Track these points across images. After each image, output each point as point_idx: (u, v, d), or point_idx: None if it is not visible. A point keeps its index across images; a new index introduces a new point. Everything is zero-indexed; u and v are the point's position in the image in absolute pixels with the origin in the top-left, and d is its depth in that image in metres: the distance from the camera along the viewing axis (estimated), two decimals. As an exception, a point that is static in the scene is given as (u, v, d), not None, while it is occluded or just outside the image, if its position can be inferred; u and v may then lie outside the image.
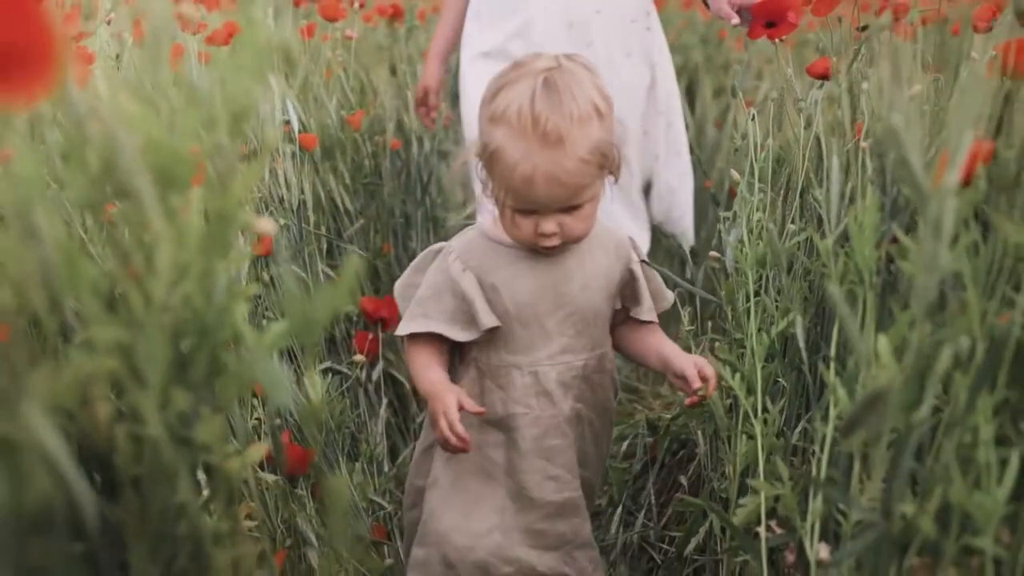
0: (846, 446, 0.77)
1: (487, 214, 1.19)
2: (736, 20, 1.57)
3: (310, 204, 1.75)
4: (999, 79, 0.93)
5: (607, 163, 1.10)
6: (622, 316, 1.23)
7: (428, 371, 1.15)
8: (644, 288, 1.20)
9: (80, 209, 0.70)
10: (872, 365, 0.80)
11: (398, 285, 1.22)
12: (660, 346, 1.20)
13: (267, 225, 0.74)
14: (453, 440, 1.08)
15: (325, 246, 1.84)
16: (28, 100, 0.37)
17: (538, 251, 1.14)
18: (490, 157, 1.08)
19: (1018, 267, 0.81)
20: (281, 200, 1.68)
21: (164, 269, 0.66)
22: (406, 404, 1.85)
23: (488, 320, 1.13)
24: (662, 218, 2.00)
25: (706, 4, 1.70)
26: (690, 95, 3.10)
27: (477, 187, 1.63)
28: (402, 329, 1.16)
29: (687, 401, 1.15)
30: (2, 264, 0.54)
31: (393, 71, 2.58)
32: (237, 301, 0.70)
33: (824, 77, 1.32)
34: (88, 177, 0.64)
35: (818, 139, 1.22)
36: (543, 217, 1.09)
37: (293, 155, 1.72)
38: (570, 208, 1.09)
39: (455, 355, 1.21)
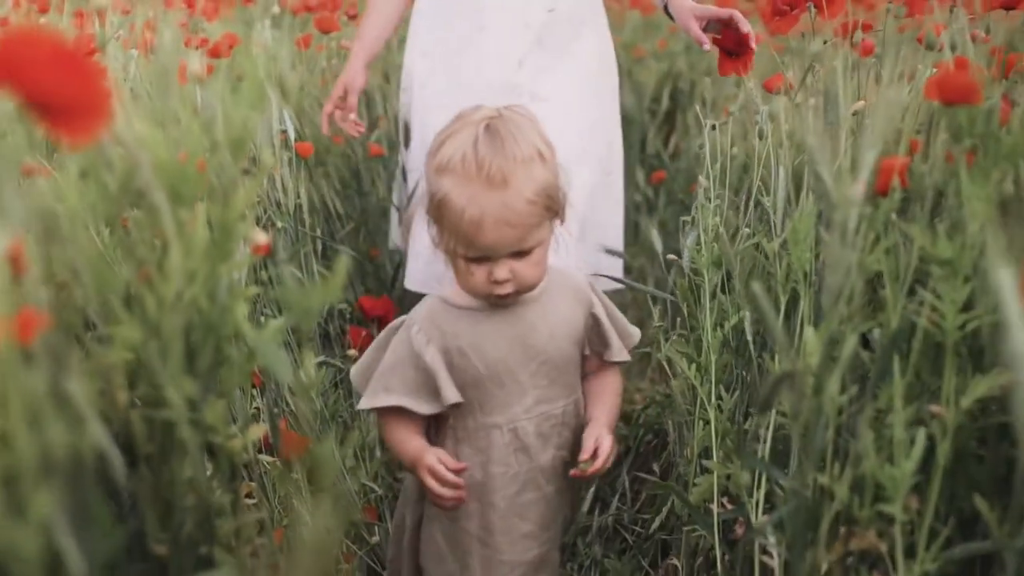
0: (760, 422, 0.88)
1: (447, 282, 1.21)
2: (708, 45, 1.57)
3: (305, 208, 1.86)
4: (926, 100, 1.03)
5: (553, 205, 1.12)
6: (593, 363, 1.24)
7: (406, 444, 1.16)
8: (610, 329, 1.21)
9: (97, 220, 0.80)
10: (802, 353, 0.91)
11: (356, 366, 1.21)
12: (593, 406, 1.22)
13: (261, 236, 0.85)
14: (448, 493, 1.11)
15: (320, 247, 1.95)
16: (83, 142, 0.48)
17: (496, 304, 1.15)
18: (438, 207, 1.10)
19: (927, 267, 0.92)
20: (279, 204, 1.79)
21: (174, 273, 0.76)
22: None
23: (451, 395, 1.13)
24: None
25: (670, 16, 1.69)
26: (673, 101, 3.21)
27: (418, 237, 1.61)
28: (364, 404, 1.17)
29: (571, 472, 1.16)
30: (46, 268, 0.65)
31: (387, 79, 2.68)
32: (238, 301, 0.80)
33: (780, 91, 1.42)
34: (108, 193, 0.75)
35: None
36: (495, 264, 1.10)
37: (289, 162, 1.83)
38: (520, 253, 1.11)
39: (431, 426, 1.21)
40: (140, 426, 0.80)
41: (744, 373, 1.22)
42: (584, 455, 1.13)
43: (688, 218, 1.34)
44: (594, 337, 1.22)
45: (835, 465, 0.90)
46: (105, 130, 0.52)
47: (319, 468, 0.72)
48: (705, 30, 1.59)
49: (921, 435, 0.87)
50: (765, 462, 0.92)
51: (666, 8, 1.68)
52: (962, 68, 0.90)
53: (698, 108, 1.58)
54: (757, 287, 0.81)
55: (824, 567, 0.91)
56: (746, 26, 1.49)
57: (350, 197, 2.16)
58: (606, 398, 1.22)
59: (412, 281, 1.72)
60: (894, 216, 0.91)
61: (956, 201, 0.86)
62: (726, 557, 1.18)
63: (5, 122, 0.74)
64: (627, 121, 2.40)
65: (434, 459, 1.12)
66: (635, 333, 1.25)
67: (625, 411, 1.83)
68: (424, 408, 1.15)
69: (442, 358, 1.15)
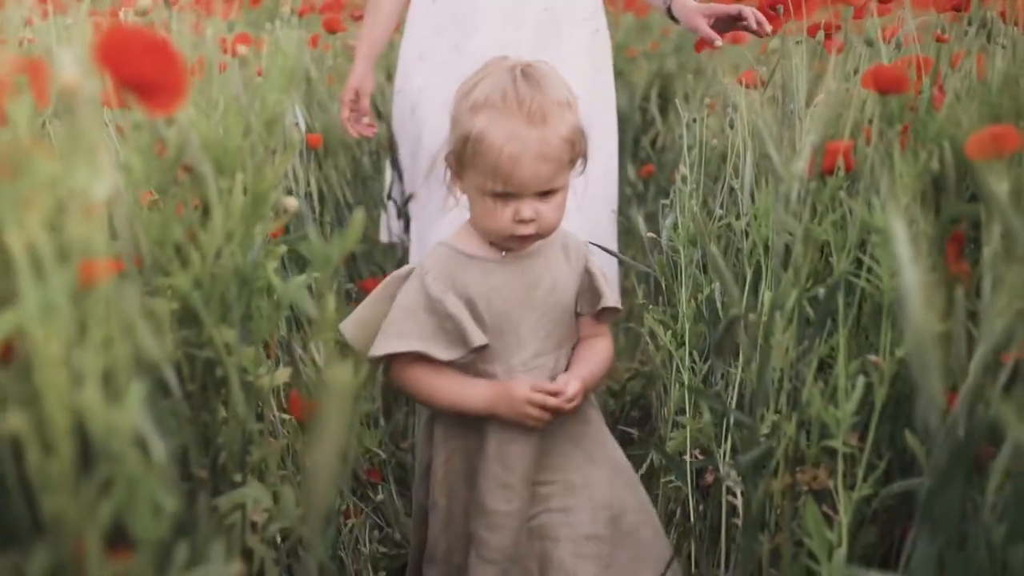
0: (716, 366, 1.01)
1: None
2: (719, 42, 1.59)
3: (315, 196, 1.99)
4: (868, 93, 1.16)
5: (579, 150, 1.17)
6: (585, 325, 1.25)
7: (464, 389, 1.17)
8: (602, 281, 1.23)
9: (153, 186, 0.92)
10: (759, 311, 1.05)
11: (349, 318, 1.20)
12: (575, 365, 1.22)
13: (292, 202, 0.98)
14: (547, 416, 1.14)
15: (330, 232, 2.08)
16: (167, 113, 0.61)
17: (511, 247, 1.18)
18: (474, 145, 1.12)
19: (870, 237, 1.05)
20: (290, 192, 1.92)
21: (216, 233, 0.89)
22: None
23: (477, 338, 1.15)
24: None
25: (674, 19, 1.72)
26: (662, 99, 3.34)
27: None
28: (378, 350, 1.15)
29: None
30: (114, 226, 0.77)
31: (389, 77, 2.81)
32: (269, 258, 0.93)
33: (753, 85, 1.55)
34: (164, 164, 0.88)
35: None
36: (521, 203, 1.13)
37: (300, 153, 1.96)
38: (546, 194, 1.14)
39: None
40: (185, 365, 0.93)
41: (710, 334, 1.35)
42: (547, 388, 1.15)
43: (667, 201, 1.47)
44: (587, 292, 1.24)
45: (786, 407, 1.03)
46: (179, 106, 0.65)
47: (335, 397, 0.85)
48: (713, 27, 1.61)
49: (860, 382, 1.00)
50: (724, 401, 1.05)
51: (669, 10, 1.71)
52: (898, 63, 1.03)
53: (678, 103, 1.71)
54: (713, 249, 0.94)
55: (777, 497, 1.04)
56: (757, 17, 1.54)
57: (357, 186, 2.29)
58: (591, 360, 1.24)
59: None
60: (841, 192, 1.05)
61: (891, 177, 0.99)
62: (698, 504, 1.32)
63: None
64: (620, 119, 2.52)
65: (529, 391, 1.14)
66: (618, 299, 1.27)
67: (611, 387, 1.96)
68: (443, 354, 1.15)
69: (461, 303, 1.16)
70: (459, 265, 1.19)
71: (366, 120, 1.87)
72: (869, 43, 1.06)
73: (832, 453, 1.01)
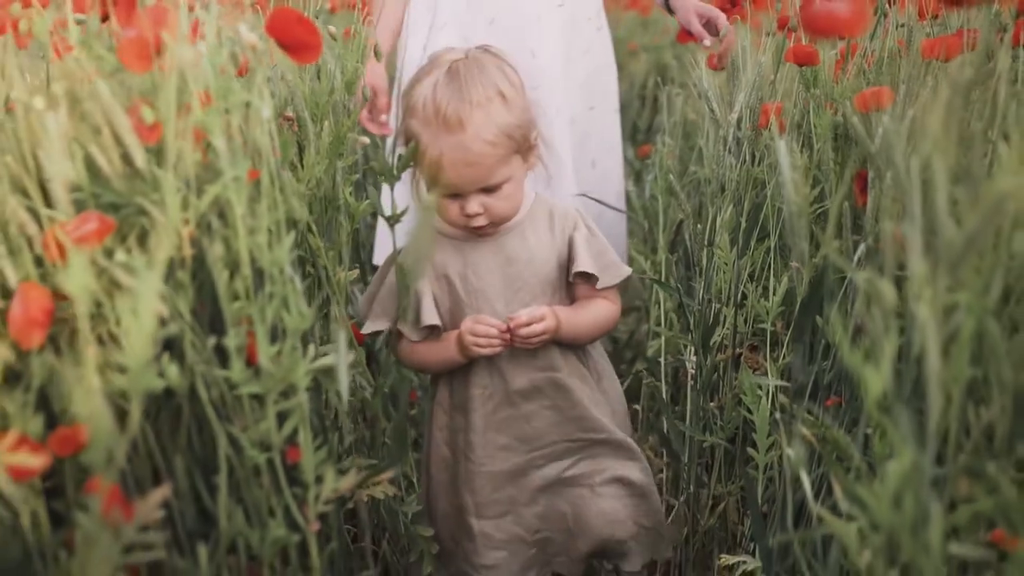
0: (671, 258, 1.35)
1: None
2: (708, 41, 1.67)
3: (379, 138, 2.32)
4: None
5: (518, 143, 1.16)
6: (581, 290, 1.26)
7: (438, 351, 1.23)
8: (581, 247, 1.22)
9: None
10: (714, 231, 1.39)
11: (363, 296, 1.29)
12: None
13: (364, 140, 1.32)
14: (493, 344, 1.17)
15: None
16: (309, 62, 0.95)
17: (475, 233, 1.21)
18: (407, 146, 1.17)
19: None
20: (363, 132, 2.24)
21: (309, 161, 1.24)
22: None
23: (428, 317, 1.20)
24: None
25: (670, 11, 1.80)
26: (659, 88, 3.68)
27: None
28: (365, 328, 1.25)
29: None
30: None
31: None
32: (346, 183, 1.28)
33: (717, 69, 1.88)
34: (272, 110, 1.22)
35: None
36: (466, 199, 1.16)
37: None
38: (490, 189, 1.16)
39: None
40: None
41: (684, 268, 1.69)
42: (513, 318, 1.18)
43: (650, 160, 1.81)
44: (571, 258, 1.24)
45: (730, 301, 1.37)
46: (316, 58, 0.99)
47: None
48: (705, 26, 1.71)
49: (784, 280, 1.34)
50: (679, 289, 1.39)
51: (667, 3, 1.80)
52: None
53: (667, 88, 2.04)
54: (672, 178, 1.28)
55: (721, 368, 1.38)
56: (725, 41, 1.65)
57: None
58: (576, 307, 1.25)
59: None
60: (771, 140, 1.38)
61: (808, 128, 1.33)
62: (670, 395, 1.66)
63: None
64: (620, 106, 2.85)
65: (466, 325, 1.19)
66: (623, 269, 1.25)
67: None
68: (414, 334, 1.22)
69: (429, 284, 1.21)
70: (438, 246, 1.23)
71: (384, 118, 1.87)
72: (792, 28, 1.39)
73: (763, 334, 1.35)
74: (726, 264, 1.32)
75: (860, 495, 0.68)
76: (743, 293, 1.35)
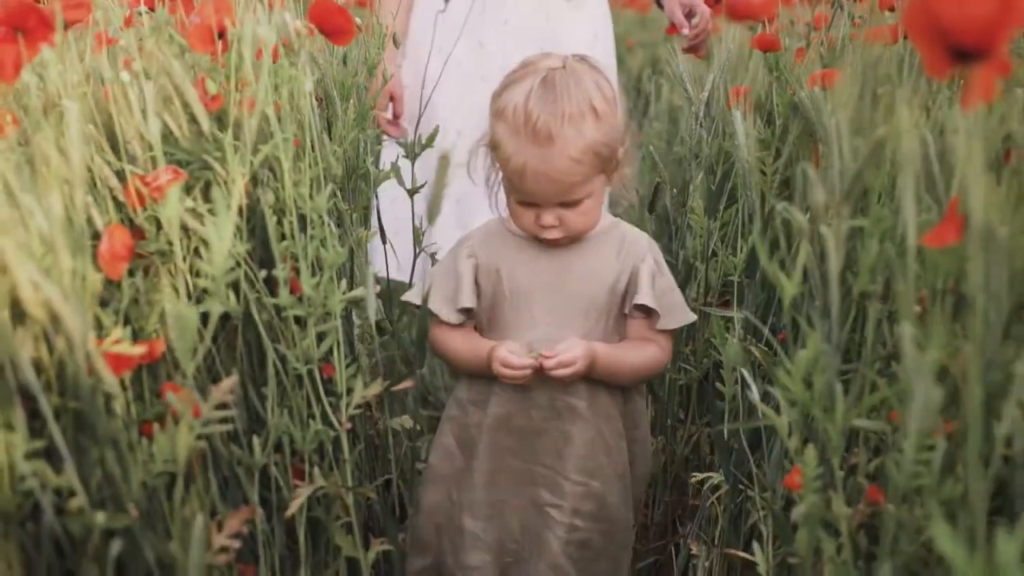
0: (650, 217, 1.54)
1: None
2: (686, 30, 1.76)
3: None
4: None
5: (604, 162, 1.13)
6: (635, 327, 1.22)
7: (469, 344, 1.22)
8: (645, 279, 1.19)
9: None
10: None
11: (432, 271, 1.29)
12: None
13: (387, 114, 1.52)
14: (519, 376, 1.15)
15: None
16: (344, 44, 1.14)
17: (545, 243, 1.19)
18: (494, 147, 1.16)
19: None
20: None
21: (337, 134, 1.43)
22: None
23: (464, 300, 1.19)
24: None
25: (659, 5, 1.89)
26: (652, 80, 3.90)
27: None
28: (406, 296, 1.28)
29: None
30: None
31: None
32: (369, 153, 1.47)
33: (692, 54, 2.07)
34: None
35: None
36: (542, 210, 1.14)
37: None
38: (569, 203, 1.14)
39: None
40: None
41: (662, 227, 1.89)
42: (547, 352, 1.14)
43: (640, 143, 2.01)
44: (632, 291, 1.20)
45: (702, 258, 1.57)
46: (351, 40, 1.19)
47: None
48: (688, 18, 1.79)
49: (750, 239, 1.53)
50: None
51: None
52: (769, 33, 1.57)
53: (651, 73, 2.23)
54: (653, 150, 1.47)
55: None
56: (699, 25, 1.77)
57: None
58: (622, 345, 1.22)
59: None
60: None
61: (771, 106, 1.52)
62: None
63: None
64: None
65: (499, 352, 1.16)
66: (687, 315, 1.23)
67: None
68: (451, 316, 1.21)
69: (473, 272, 1.21)
70: (501, 237, 1.23)
71: (403, 123, 1.85)
72: (751, 28, 1.58)
73: (731, 285, 1.54)
74: (700, 227, 1.51)
75: (780, 377, 0.88)
76: (714, 251, 1.54)
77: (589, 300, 1.20)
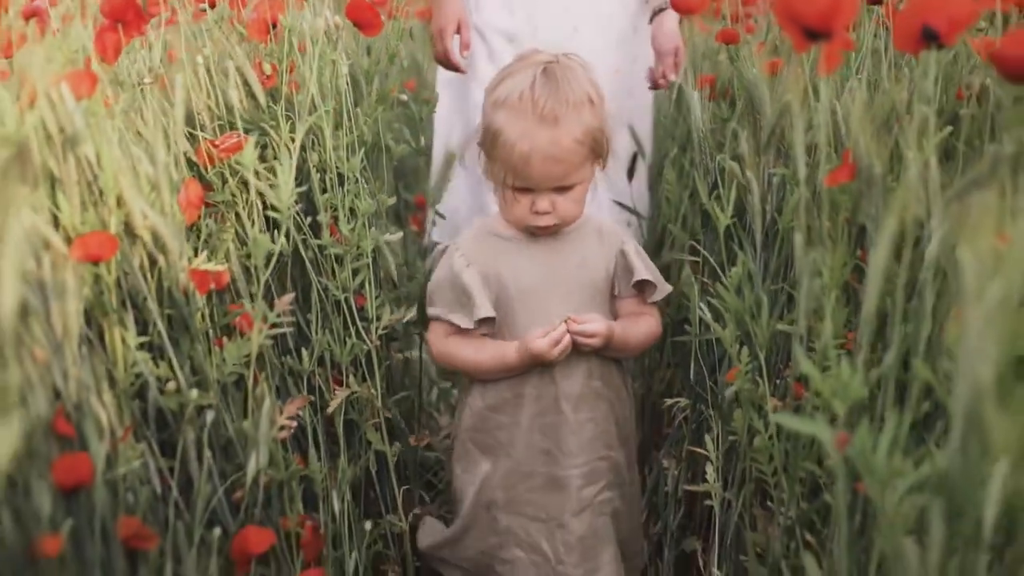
0: (636, 174, 1.80)
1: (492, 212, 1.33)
2: (672, 77, 1.79)
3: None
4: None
5: (598, 147, 1.21)
6: (626, 306, 1.30)
7: (492, 348, 1.25)
8: (635, 258, 1.27)
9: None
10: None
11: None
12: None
13: (403, 97, 1.78)
14: (559, 350, 1.19)
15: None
16: (374, 35, 1.41)
17: (534, 233, 1.24)
18: (492, 139, 1.19)
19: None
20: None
21: (363, 111, 1.69)
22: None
23: (484, 311, 1.21)
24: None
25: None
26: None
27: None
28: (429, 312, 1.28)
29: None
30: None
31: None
32: (388, 130, 1.73)
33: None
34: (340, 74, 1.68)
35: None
36: (538, 195, 1.19)
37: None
38: (563, 189, 1.20)
39: None
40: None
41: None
42: (576, 317, 1.20)
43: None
44: (622, 273, 1.28)
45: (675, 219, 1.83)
46: (380, 32, 1.44)
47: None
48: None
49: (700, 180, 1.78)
50: (636, 212, 1.85)
51: (653, 17, 1.91)
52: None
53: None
54: (634, 129, 1.73)
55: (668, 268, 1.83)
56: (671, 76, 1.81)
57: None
58: (625, 321, 1.29)
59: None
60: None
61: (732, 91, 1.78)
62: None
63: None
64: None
65: (538, 337, 1.19)
66: (666, 285, 1.30)
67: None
68: (464, 322, 1.23)
69: (480, 279, 1.24)
70: (490, 243, 1.27)
71: (465, 54, 1.78)
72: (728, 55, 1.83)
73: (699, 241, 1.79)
74: (672, 195, 1.77)
75: (718, 291, 1.13)
76: (684, 214, 1.80)
77: (591, 286, 1.27)
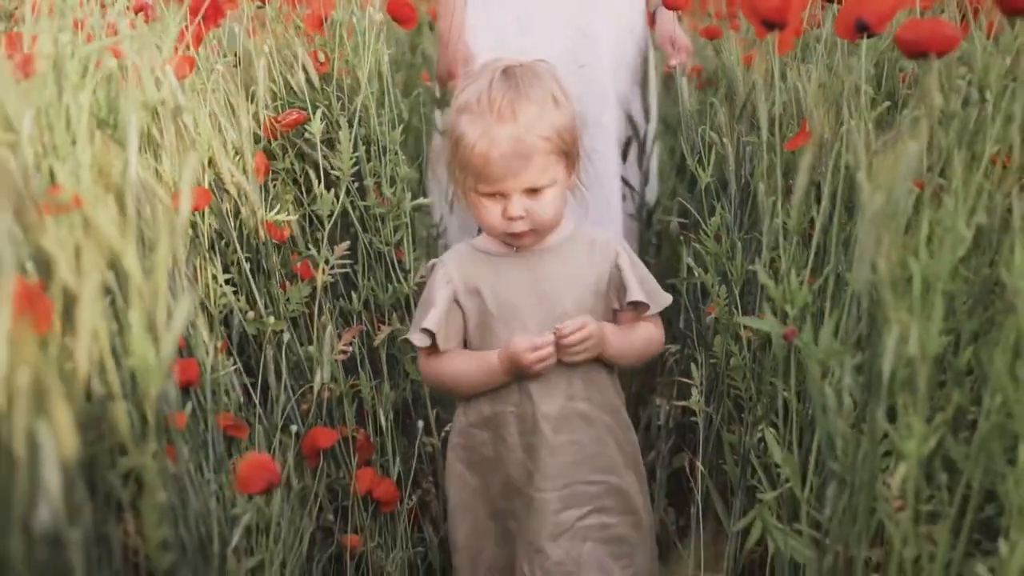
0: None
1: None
2: (674, 62, 1.89)
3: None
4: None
5: (567, 148, 1.18)
6: (626, 317, 1.26)
7: (474, 360, 1.23)
8: (630, 275, 1.23)
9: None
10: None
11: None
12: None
13: (427, 83, 2.02)
14: (545, 363, 1.18)
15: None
16: (409, 27, 1.64)
17: (513, 243, 1.22)
18: (454, 146, 1.18)
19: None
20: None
21: (387, 109, 1.93)
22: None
23: (429, 323, 1.20)
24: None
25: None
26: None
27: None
28: (409, 336, 1.26)
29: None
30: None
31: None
32: (396, 129, 1.98)
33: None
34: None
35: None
36: (509, 200, 1.17)
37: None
38: (533, 191, 1.17)
39: None
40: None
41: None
42: (562, 325, 1.18)
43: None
44: (617, 288, 1.25)
45: (666, 194, 2.08)
46: (413, 25, 1.69)
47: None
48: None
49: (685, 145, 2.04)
50: (630, 185, 2.10)
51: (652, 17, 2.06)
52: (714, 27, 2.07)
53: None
54: (631, 114, 1.98)
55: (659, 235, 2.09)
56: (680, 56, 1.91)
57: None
58: (623, 328, 1.26)
59: None
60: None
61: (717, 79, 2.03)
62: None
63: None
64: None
65: (526, 344, 1.17)
66: (665, 296, 1.27)
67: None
68: (416, 338, 1.22)
69: (450, 297, 1.22)
70: (474, 259, 1.25)
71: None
72: (708, 16, 2.08)
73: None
74: (665, 173, 2.02)
75: (701, 239, 1.38)
76: (675, 189, 2.05)
77: (577, 303, 1.23)
